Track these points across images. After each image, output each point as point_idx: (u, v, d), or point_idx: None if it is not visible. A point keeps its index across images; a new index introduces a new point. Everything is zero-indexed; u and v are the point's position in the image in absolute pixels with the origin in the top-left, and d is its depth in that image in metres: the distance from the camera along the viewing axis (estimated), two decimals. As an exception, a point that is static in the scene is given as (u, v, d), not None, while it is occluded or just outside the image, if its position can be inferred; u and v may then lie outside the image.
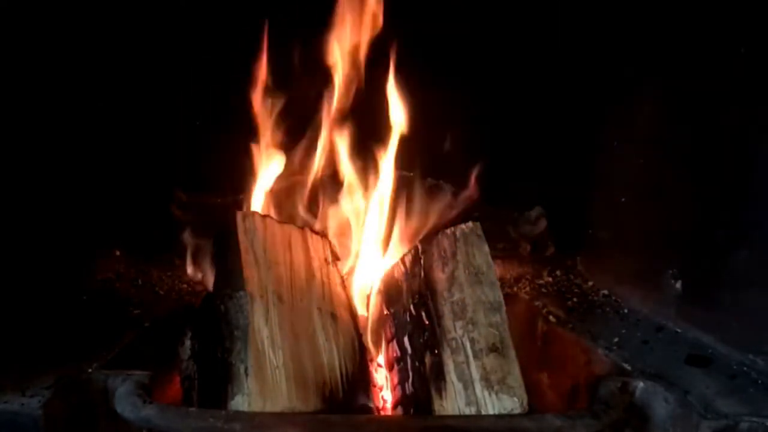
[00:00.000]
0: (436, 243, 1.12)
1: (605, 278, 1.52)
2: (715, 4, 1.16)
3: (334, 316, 1.11)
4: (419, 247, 1.14)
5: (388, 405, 1.13)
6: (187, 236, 1.39)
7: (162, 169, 1.56)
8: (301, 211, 1.42)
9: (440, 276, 1.08)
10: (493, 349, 0.99)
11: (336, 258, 1.23)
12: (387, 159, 1.39)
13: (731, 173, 1.13)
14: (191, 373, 1.02)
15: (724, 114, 1.14)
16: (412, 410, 1.03)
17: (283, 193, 1.44)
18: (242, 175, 1.43)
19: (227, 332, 1.00)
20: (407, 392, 1.06)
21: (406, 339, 1.09)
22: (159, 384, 1.04)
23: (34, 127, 1.21)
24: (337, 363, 1.05)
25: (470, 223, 1.13)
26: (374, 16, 1.35)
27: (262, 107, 1.43)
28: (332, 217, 1.40)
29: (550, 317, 1.32)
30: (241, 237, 1.09)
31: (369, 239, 1.37)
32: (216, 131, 1.53)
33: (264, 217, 1.15)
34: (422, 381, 1.02)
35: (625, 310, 1.36)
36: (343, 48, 1.37)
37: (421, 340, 1.05)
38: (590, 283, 1.55)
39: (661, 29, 1.30)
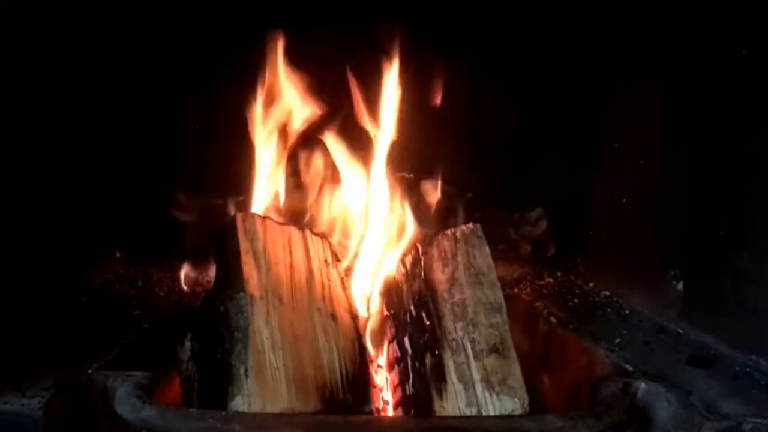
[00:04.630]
0: (437, 244, 1.12)
1: (606, 279, 1.52)
2: (716, 6, 1.16)
3: (334, 317, 1.11)
4: (420, 248, 1.14)
5: (389, 406, 1.12)
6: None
7: (162, 170, 1.56)
8: (301, 211, 1.42)
9: (441, 277, 1.08)
10: (494, 349, 0.99)
11: (336, 259, 1.23)
12: (388, 160, 1.39)
13: (733, 173, 1.13)
14: (191, 374, 1.02)
15: (726, 114, 1.14)
16: (412, 411, 1.03)
17: (283, 194, 1.44)
18: (242, 176, 1.43)
19: (227, 333, 1.00)
20: (407, 393, 1.06)
21: (406, 340, 1.09)
22: (159, 385, 1.04)
23: (35, 130, 1.21)
24: (337, 364, 1.05)
25: (471, 224, 1.13)
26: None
27: (262, 109, 1.43)
28: (332, 217, 1.40)
29: (551, 318, 1.32)
30: (241, 238, 1.09)
31: (369, 240, 1.37)
32: (216, 132, 1.54)
33: (264, 218, 1.15)
34: (423, 382, 1.02)
35: (627, 311, 1.36)
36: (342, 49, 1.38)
37: (422, 341, 1.05)
38: (591, 284, 1.55)
39: (662, 30, 1.30)
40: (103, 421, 0.98)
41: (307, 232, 1.21)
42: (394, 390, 1.10)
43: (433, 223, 1.40)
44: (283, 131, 1.42)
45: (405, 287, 1.14)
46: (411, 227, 1.34)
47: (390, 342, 1.14)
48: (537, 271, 1.63)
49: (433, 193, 1.49)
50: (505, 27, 1.47)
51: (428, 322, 1.05)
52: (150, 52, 1.47)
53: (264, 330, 1.00)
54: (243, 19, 1.45)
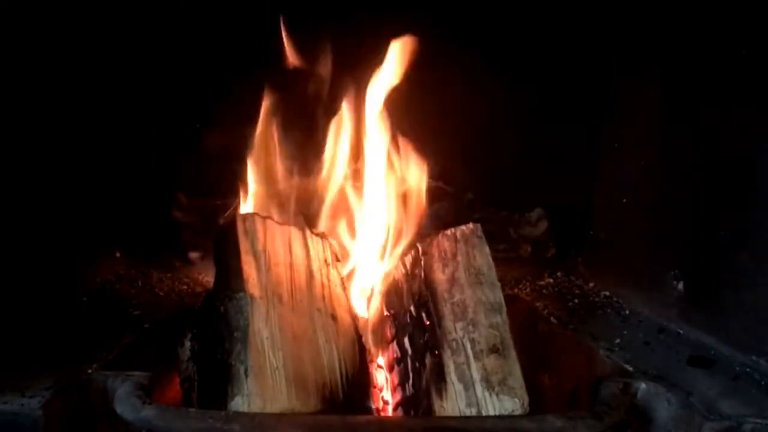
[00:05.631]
0: (437, 244, 1.12)
1: (606, 279, 1.51)
2: (717, 6, 1.16)
3: (334, 317, 1.11)
4: (420, 248, 1.14)
5: (389, 406, 1.12)
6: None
7: (162, 171, 1.56)
8: (302, 212, 1.41)
9: (441, 277, 1.08)
10: (494, 350, 0.99)
11: (336, 259, 1.23)
12: (388, 160, 1.39)
13: (733, 174, 1.13)
14: (191, 374, 1.02)
15: (726, 114, 1.14)
16: (412, 411, 1.03)
17: (283, 195, 1.44)
18: (242, 177, 1.43)
19: (227, 333, 1.00)
20: (407, 393, 1.06)
21: (406, 340, 1.09)
22: (159, 385, 1.04)
23: (36, 130, 1.21)
24: (337, 364, 1.04)
25: (471, 225, 1.13)
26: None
27: (262, 109, 1.43)
28: (332, 218, 1.40)
29: (551, 318, 1.32)
30: (241, 238, 1.09)
31: (369, 240, 1.37)
32: (216, 133, 1.54)
33: (264, 218, 1.15)
34: (423, 382, 1.02)
35: (627, 312, 1.36)
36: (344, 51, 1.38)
37: (422, 341, 1.05)
38: (591, 284, 1.54)
39: (663, 30, 1.30)
40: (103, 421, 0.98)
41: (307, 232, 1.21)
42: (394, 390, 1.10)
43: (433, 223, 1.39)
44: (283, 131, 1.42)
45: (405, 287, 1.14)
46: (411, 227, 1.34)
47: (390, 342, 1.14)
48: (537, 271, 1.63)
49: (434, 193, 1.49)
50: (506, 25, 1.47)
51: (428, 322, 1.05)
52: (151, 52, 1.47)
53: (264, 330, 1.00)
54: (245, 19, 1.46)
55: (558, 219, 1.64)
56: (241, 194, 1.40)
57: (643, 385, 0.99)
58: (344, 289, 1.20)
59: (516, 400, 0.95)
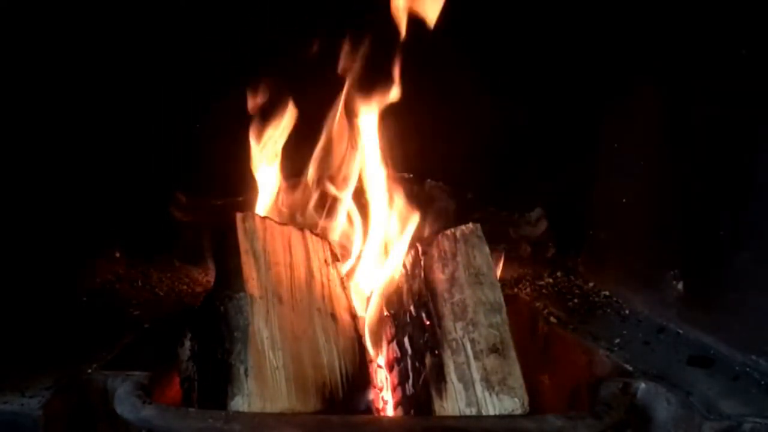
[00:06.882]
0: (437, 244, 1.12)
1: (606, 279, 1.52)
2: (716, 6, 1.16)
3: (334, 317, 1.11)
4: (419, 248, 1.14)
5: (389, 406, 1.12)
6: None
7: (162, 171, 1.56)
8: (302, 212, 1.42)
9: (440, 277, 1.08)
10: (494, 349, 0.99)
11: (336, 259, 1.23)
12: (387, 160, 1.39)
13: (733, 173, 1.13)
14: (191, 374, 1.02)
15: (725, 114, 1.14)
16: (412, 411, 1.03)
17: (283, 195, 1.44)
18: (242, 176, 1.43)
19: (227, 333, 1.00)
20: (407, 393, 1.06)
21: (406, 340, 1.09)
22: (159, 385, 1.04)
23: (37, 131, 1.21)
24: (337, 364, 1.05)
25: (471, 224, 1.12)
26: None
27: (263, 109, 1.43)
28: (333, 218, 1.40)
29: (551, 318, 1.32)
30: (241, 238, 1.09)
31: (369, 240, 1.37)
32: (216, 133, 1.54)
33: (264, 218, 1.15)
34: (422, 382, 1.02)
35: (627, 311, 1.36)
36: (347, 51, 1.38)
37: (422, 341, 1.05)
38: (591, 284, 1.54)
39: (662, 29, 1.30)
40: (103, 421, 0.98)
41: (307, 232, 1.21)
42: (394, 390, 1.10)
43: (433, 223, 1.39)
44: (283, 132, 1.42)
45: (405, 287, 1.14)
46: (410, 227, 1.34)
47: (390, 342, 1.14)
48: (537, 271, 1.63)
49: (433, 193, 1.49)
50: (506, 26, 1.47)
51: (428, 322, 1.05)
52: (151, 52, 1.47)
53: (264, 330, 1.00)
54: (245, 20, 1.46)
55: (558, 219, 1.64)
56: (242, 194, 1.40)
57: (642, 385, 0.99)
58: (344, 288, 1.20)
59: (516, 399, 0.95)
